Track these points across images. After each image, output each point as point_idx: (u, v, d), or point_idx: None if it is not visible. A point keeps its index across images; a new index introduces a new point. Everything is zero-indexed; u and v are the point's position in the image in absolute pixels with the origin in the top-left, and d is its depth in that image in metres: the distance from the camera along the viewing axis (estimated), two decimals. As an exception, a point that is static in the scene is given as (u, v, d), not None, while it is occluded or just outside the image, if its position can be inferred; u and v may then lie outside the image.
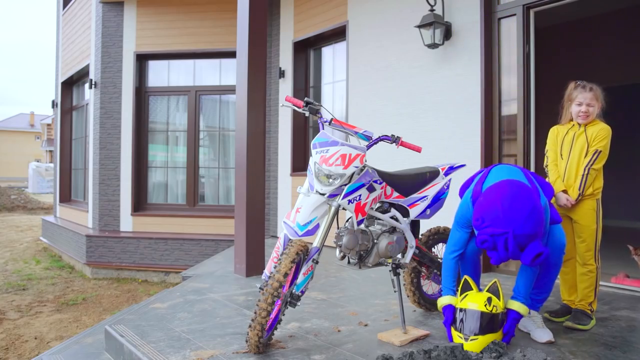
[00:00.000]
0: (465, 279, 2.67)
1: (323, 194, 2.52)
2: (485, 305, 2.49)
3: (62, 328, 5.60)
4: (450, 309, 2.62)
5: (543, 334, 2.66)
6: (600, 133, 2.89)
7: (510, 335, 2.54)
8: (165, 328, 2.95)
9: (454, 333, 2.56)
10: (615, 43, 7.42)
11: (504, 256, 2.28)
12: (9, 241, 11.00)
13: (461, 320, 2.53)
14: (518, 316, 2.55)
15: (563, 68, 6.95)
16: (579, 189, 2.89)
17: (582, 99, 2.92)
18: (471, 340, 2.45)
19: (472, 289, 2.62)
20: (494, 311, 2.49)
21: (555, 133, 3.10)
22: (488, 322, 2.47)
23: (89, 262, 7.68)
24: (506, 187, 2.35)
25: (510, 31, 4.42)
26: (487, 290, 2.57)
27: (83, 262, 7.80)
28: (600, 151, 2.88)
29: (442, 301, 2.69)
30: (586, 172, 2.87)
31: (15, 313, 6.12)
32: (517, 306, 2.56)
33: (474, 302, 2.52)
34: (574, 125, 3.00)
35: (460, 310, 2.55)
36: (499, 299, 2.55)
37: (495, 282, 2.62)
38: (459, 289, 2.66)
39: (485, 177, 2.68)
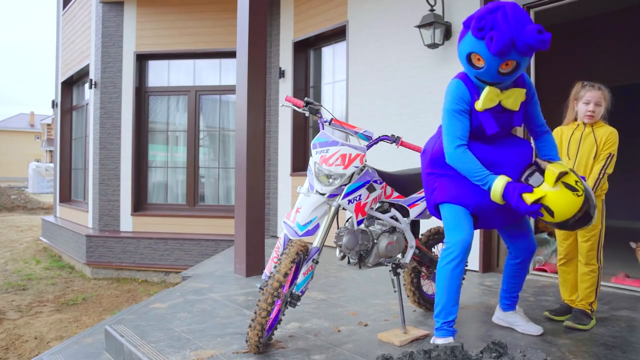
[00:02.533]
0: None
1: (323, 194, 2.52)
2: (575, 195, 2.20)
3: (62, 328, 5.60)
4: (516, 187, 2.23)
5: (535, 328, 2.77)
6: (611, 137, 2.89)
7: None
8: (165, 328, 2.95)
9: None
10: (615, 43, 7.42)
11: (507, 30, 2.06)
12: (9, 241, 11.00)
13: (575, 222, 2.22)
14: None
15: (563, 68, 6.95)
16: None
17: (590, 97, 2.91)
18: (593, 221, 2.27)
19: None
20: (581, 186, 2.23)
21: (559, 134, 3.06)
22: (588, 203, 2.23)
23: (89, 262, 7.68)
24: None
25: (510, 31, 4.42)
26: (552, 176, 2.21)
27: (83, 262, 7.80)
28: (613, 155, 2.89)
29: (498, 184, 2.25)
30: (601, 176, 2.87)
31: (15, 313, 6.12)
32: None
33: (558, 199, 2.18)
34: (579, 125, 2.99)
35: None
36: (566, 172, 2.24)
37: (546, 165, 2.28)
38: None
39: None
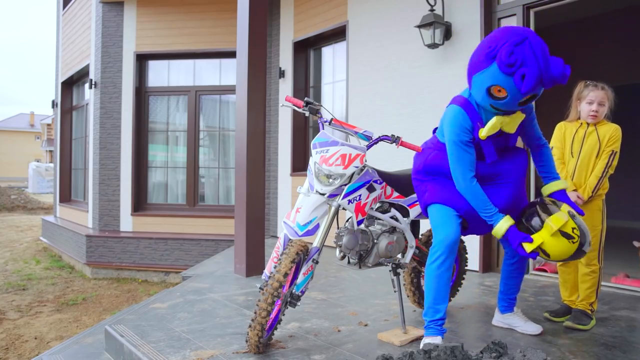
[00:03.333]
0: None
1: (323, 194, 2.52)
2: (570, 242, 2.34)
3: (62, 328, 5.60)
4: (517, 236, 2.34)
5: (534, 327, 2.76)
6: (615, 134, 2.88)
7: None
8: (165, 328, 2.95)
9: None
10: (615, 43, 7.42)
11: (536, 67, 2.05)
12: (9, 241, 11.00)
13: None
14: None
15: (563, 68, 6.94)
16: (593, 191, 2.87)
17: (593, 97, 2.89)
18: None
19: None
20: (577, 233, 2.34)
21: (562, 130, 3.05)
22: (583, 245, 2.36)
23: (89, 262, 7.68)
24: None
25: (510, 31, 4.42)
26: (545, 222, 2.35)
27: (83, 262, 7.80)
28: (616, 152, 2.88)
29: (502, 226, 2.35)
30: (604, 175, 2.86)
31: (15, 313, 6.12)
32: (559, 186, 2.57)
33: (554, 245, 2.33)
34: (582, 123, 2.98)
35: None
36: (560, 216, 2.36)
37: (543, 203, 2.44)
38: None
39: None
